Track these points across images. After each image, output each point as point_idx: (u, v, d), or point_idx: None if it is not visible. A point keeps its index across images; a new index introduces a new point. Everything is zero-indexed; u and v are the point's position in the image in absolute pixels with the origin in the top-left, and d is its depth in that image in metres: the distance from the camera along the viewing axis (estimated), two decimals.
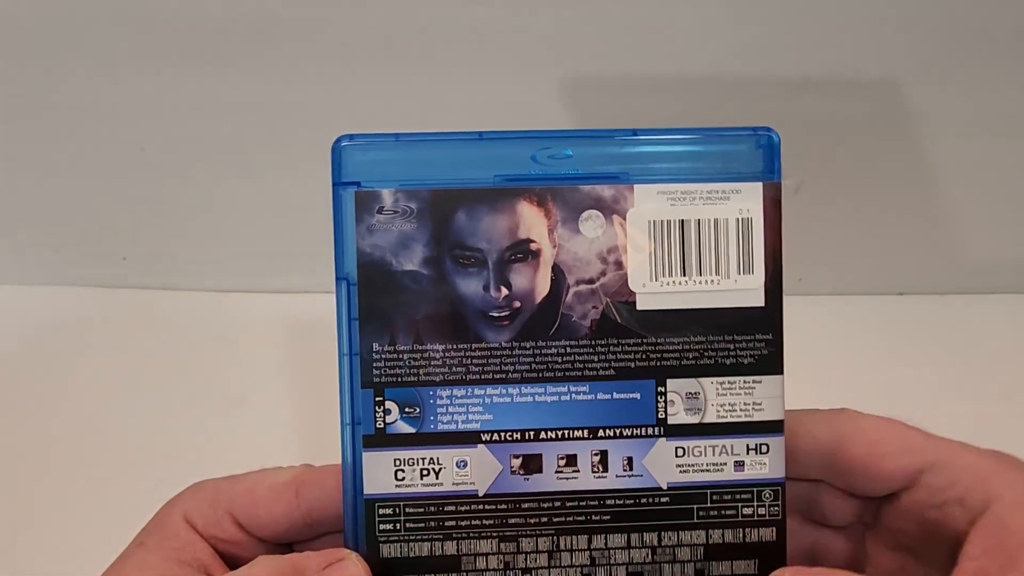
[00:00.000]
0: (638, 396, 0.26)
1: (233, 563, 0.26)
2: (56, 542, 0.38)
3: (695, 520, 0.26)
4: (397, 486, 0.25)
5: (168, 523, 0.26)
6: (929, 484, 0.25)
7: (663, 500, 0.26)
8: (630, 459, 0.26)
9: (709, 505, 0.26)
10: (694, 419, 0.26)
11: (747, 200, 0.26)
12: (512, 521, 0.26)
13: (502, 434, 0.26)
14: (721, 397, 0.26)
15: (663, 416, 0.26)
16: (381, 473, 0.25)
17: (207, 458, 0.40)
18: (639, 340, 0.26)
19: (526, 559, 0.26)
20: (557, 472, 0.26)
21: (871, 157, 0.41)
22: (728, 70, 0.39)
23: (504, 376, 0.26)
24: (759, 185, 0.26)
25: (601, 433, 0.26)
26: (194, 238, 0.44)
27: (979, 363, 0.43)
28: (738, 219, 0.26)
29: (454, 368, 0.25)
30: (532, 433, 0.26)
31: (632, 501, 0.26)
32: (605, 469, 0.26)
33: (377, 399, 0.25)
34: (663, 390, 0.26)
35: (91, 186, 0.43)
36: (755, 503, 0.26)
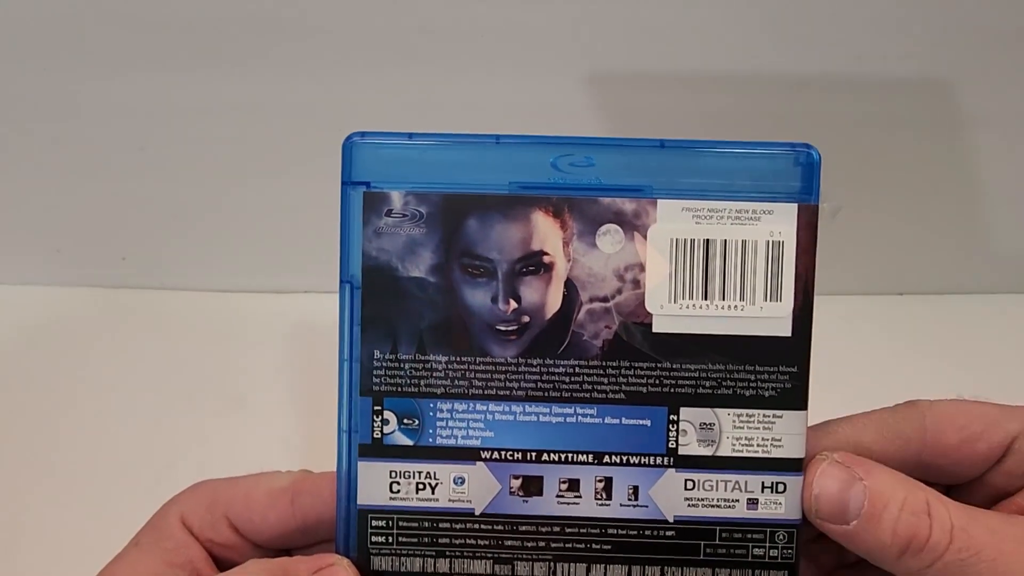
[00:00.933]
0: (648, 423, 0.24)
1: (226, 566, 0.25)
2: (55, 542, 0.38)
3: (701, 557, 0.25)
4: (391, 498, 0.25)
5: (164, 524, 0.26)
6: (1020, 450, 0.24)
7: (668, 534, 0.24)
8: (636, 488, 0.24)
9: (718, 543, 0.25)
10: (707, 451, 0.24)
11: (780, 222, 0.24)
12: (508, 543, 0.25)
13: (503, 453, 0.25)
14: (738, 430, 0.24)
15: (674, 446, 0.24)
16: (376, 484, 0.25)
17: (206, 458, 0.39)
18: (653, 364, 0.24)
19: None
20: (558, 496, 0.25)
21: (871, 157, 0.40)
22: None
23: (508, 393, 0.24)
24: (794, 207, 0.24)
25: (607, 459, 0.24)
26: (194, 238, 0.44)
27: (979, 363, 0.42)
28: (768, 242, 0.24)
29: (456, 381, 0.24)
30: (534, 454, 0.25)
31: (635, 532, 0.24)
32: (609, 497, 0.24)
33: (376, 408, 0.25)
34: (675, 418, 0.24)
35: (91, 186, 0.42)
36: (767, 544, 0.24)
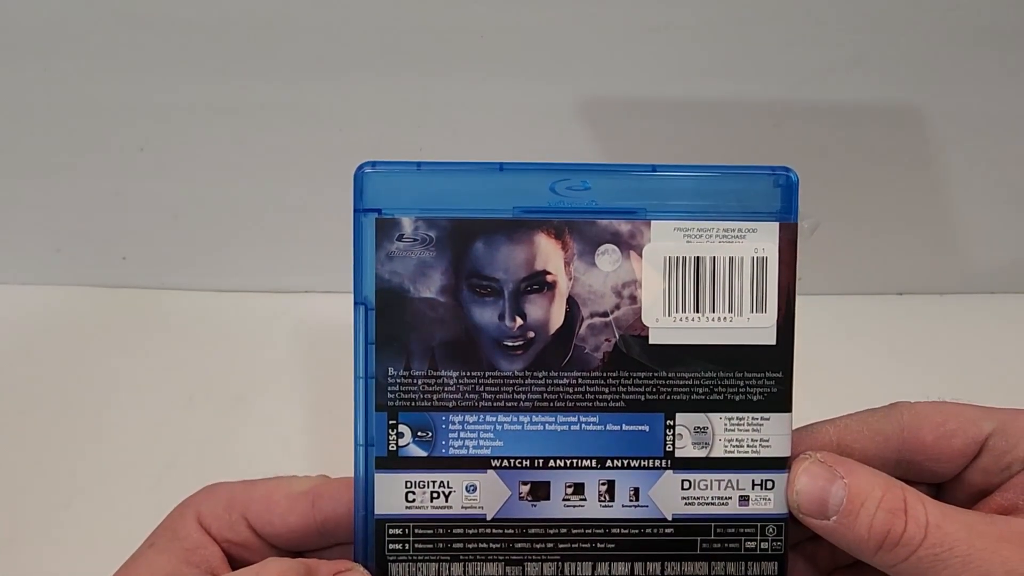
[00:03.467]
0: (647, 428, 0.26)
1: (243, 567, 0.26)
2: (56, 542, 0.38)
3: (698, 552, 0.26)
4: (407, 507, 0.26)
5: (180, 525, 0.27)
6: (994, 447, 0.26)
7: (667, 531, 0.26)
8: (636, 490, 0.26)
9: (713, 538, 0.26)
10: (701, 453, 0.26)
11: (763, 239, 0.26)
12: (519, 546, 0.26)
13: (512, 460, 0.26)
14: (729, 432, 0.26)
15: (671, 449, 0.26)
16: (392, 494, 0.26)
17: (207, 458, 0.40)
18: (650, 374, 0.26)
19: None
20: (564, 500, 0.26)
21: (871, 158, 0.41)
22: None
23: (516, 404, 0.26)
24: (775, 225, 0.26)
25: (609, 463, 0.26)
26: (194, 238, 0.44)
27: (979, 363, 0.43)
28: (753, 258, 0.26)
29: (467, 395, 0.26)
30: (541, 461, 0.26)
31: (637, 531, 0.26)
32: (612, 499, 0.26)
33: (391, 422, 0.26)
34: (672, 423, 0.26)
35: (91, 186, 0.42)
36: (758, 537, 0.26)
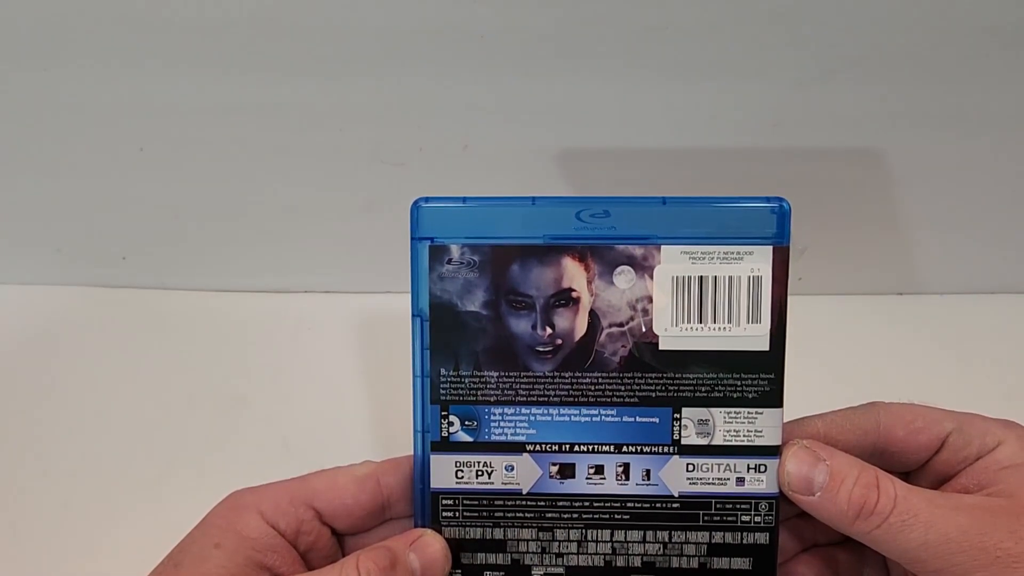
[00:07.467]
0: (657, 420, 0.31)
1: (308, 556, 0.30)
2: (56, 542, 0.37)
3: (700, 523, 0.31)
4: (457, 483, 0.31)
5: (244, 525, 0.28)
6: (953, 444, 0.30)
7: (674, 506, 0.31)
8: (648, 471, 0.31)
9: (713, 512, 0.31)
10: (704, 441, 0.31)
11: (758, 261, 0.30)
12: (549, 515, 0.31)
13: (543, 446, 0.31)
14: (728, 424, 0.31)
15: (678, 438, 0.31)
16: (445, 472, 0.31)
17: (207, 458, 0.39)
18: (660, 375, 0.31)
19: (559, 546, 0.32)
20: (587, 478, 0.31)
21: (872, 159, 0.41)
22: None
23: (546, 399, 0.31)
24: (770, 248, 0.30)
25: (625, 449, 0.31)
26: (194, 238, 0.44)
27: (979, 363, 0.43)
28: (749, 277, 0.30)
29: (506, 391, 0.31)
30: (568, 446, 0.31)
31: (648, 505, 0.31)
32: (627, 478, 0.31)
33: (443, 413, 0.31)
34: (678, 416, 0.31)
35: (91, 186, 0.42)
36: (752, 512, 0.31)
